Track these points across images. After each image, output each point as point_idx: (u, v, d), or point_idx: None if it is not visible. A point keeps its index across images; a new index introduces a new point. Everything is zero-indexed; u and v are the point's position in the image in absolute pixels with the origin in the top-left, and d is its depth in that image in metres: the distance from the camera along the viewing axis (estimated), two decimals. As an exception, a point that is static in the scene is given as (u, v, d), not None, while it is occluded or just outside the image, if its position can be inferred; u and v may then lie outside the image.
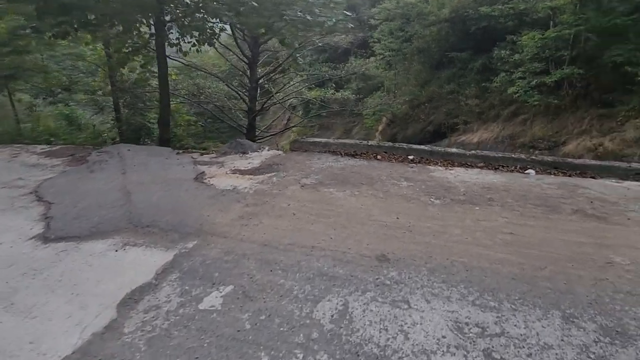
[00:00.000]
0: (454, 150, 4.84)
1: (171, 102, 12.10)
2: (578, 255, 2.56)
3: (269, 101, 12.53)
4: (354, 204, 3.49)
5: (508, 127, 13.60)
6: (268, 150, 5.44)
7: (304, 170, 4.53)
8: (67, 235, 2.82)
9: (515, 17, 13.49)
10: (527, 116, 12.98)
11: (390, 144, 5.14)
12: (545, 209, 3.34)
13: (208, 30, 5.95)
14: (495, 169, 4.55)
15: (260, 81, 11.78)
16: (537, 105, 11.95)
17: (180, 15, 5.56)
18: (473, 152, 4.73)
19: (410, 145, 5.02)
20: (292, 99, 17.56)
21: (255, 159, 5.07)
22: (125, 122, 11.64)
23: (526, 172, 4.42)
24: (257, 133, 12.43)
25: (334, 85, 22.20)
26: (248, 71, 11.44)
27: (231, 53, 11.68)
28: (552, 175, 4.32)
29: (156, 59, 6.00)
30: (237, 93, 11.56)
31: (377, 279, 2.30)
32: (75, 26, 5.36)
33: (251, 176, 4.30)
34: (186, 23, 5.59)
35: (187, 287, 2.19)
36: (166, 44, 6.25)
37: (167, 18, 5.71)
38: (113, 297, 2.08)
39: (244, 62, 11.31)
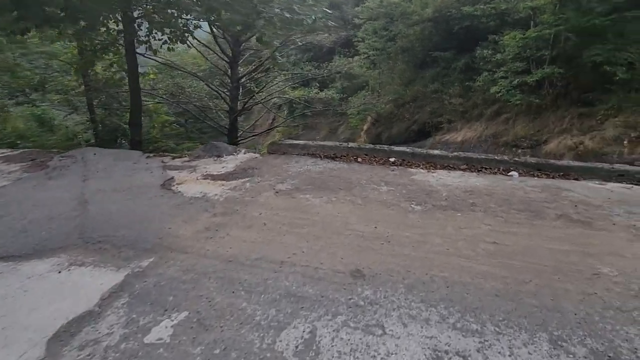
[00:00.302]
0: (436, 152, 4.67)
1: (149, 102, 11.70)
2: (564, 265, 2.40)
3: (251, 101, 12.20)
4: (331, 211, 3.27)
5: (491, 126, 13.63)
6: (244, 153, 5.17)
7: (280, 174, 4.28)
8: (6, 254, 2.51)
9: (497, 17, 13.52)
10: (510, 115, 13.03)
11: (371, 145, 4.94)
12: (529, 214, 3.19)
13: (182, 27, 5.63)
14: (478, 171, 4.40)
15: (242, 80, 11.45)
16: (519, 104, 11.99)
17: (150, 10, 5.23)
18: (455, 153, 4.58)
19: (392, 147, 4.83)
20: (275, 99, 17.31)
21: (230, 162, 4.79)
22: (100, 122, 11.15)
23: (509, 174, 4.28)
24: (239, 134, 12.09)
25: (317, 84, 22.01)
26: (229, 70, 11.10)
27: (212, 52, 11.31)
28: (536, 177, 4.20)
29: (125, 57, 5.64)
30: (218, 93, 11.19)
31: (350, 299, 2.08)
32: (36, 22, 4.99)
33: (223, 182, 4.03)
34: (156, 19, 5.26)
35: (134, 316, 1.92)
36: (135, 41, 5.91)
37: (136, 14, 5.38)
38: (45, 330, 1.80)
39: (225, 61, 10.96)
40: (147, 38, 5.53)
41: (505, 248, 2.61)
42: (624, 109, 10.20)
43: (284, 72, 15.06)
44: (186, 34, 5.56)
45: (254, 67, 11.58)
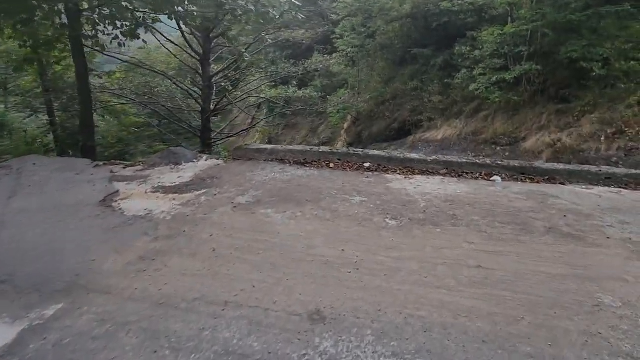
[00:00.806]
0: (414, 155, 4.28)
1: (115, 103, 10.94)
2: (560, 295, 2.03)
3: (225, 100, 11.58)
4: (293, 230, 2.82)
5: (471, 123, 13.47)
6: (206, 160, 4.65)
7: (243, 184, 3.80)
8: None
9: (474, 14, 13.35)
10: (489, 112, 12.89)
11: (345, 150, 4.51)
12: (515, 227, 2.83)
13: (135, 21, 5.04)
14: (459, 176, 4.04)
15: (215, 79, 10.83)
16: (498, 101, 11.85)
17: (95, 3, 4.63)
18: (434, 157, 4.21)
19: (367, 151, 4.42)
20: (251, 98, 16.69)
21: (188, 171, 4.28)
22: (61, 125, 10.34)
23: (492, 179, 3.94)
24: (213, 135, 11.48)
25: (295, 83, 21.49)
26: (200, 69, 10.47)
27: (182, 49, 10.64)
28: (520, 182, 3.87)
29: (72, 54, 5.02)
30: (188, 92, 10.55)
31: (304, 355, 1.64)
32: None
33: (175, 195, 3.52)
34: (104, 12, 4.67)
35: (11, 398, 1.43)
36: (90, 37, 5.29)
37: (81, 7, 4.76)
38: None
39: (195, 59, 10.33)
40: (93, 32, 4.92)
41: (492, 274, 2.23)
42: (600, 105, 10.16)
43: (260, 70, 14.51)
44: (139, 29, 4.97)
45: (226, 65, 10.96)
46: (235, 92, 12.04)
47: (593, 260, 2.38)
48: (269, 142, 23.30)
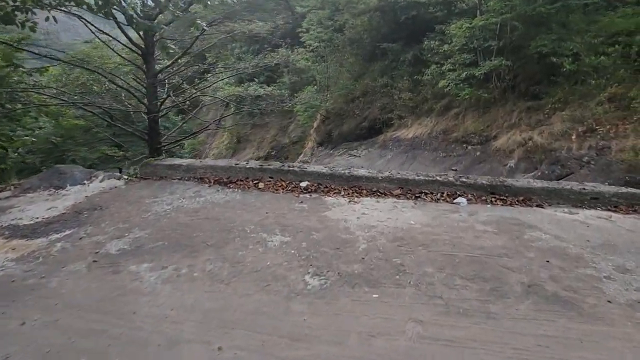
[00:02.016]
0: (362, 172, 3.39)
1: (50, 104, 9.53)
2: None
3: (175, 98, 10.37)
4: (162, 304, 1.86)
5: (441, 121, 12.85)
6: (102, 180, 3.59)
7: (130, 219, 2.80)
8: None
9: (443, 7, 12.66)
10: (459, 110, 12.29)
11: (279, 165, 3.57)
12: (482, 287, 1.99)
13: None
14: (416, 197, 3.19)
15: (161, 76, 9.62)
16: (468, 98, 11.23)
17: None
18: (388, 174, 3.34)
19: (305, 167, 3.49)
20: (218, 96, 15.43)
21: (69, 198, 3.22)
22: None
23: (456, 201, 3.11)
24: (164, 138, 10.27)
25: (255, 79, 20.33)
26: (144, 65, 9.23)
27: (120, 42, 9.34)
28: (489, 205, 3.06)
29: None
30: (128, 91, 9.29)
31: None
32: None
33: (21, 242, 2.48)
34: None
35: None
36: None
37: None
38: None
39: (137, 53, 9.07)
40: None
41: (443, 396, 1.36)
42: (571, 101, 9.68)
43: (225, 66, 13.24)
44: (17, 12, 3.83)
45: (174, 60, 9.75)
46: (178, 91, 10.78)
47: (598, 354, 1.56)
48: (238, 142, 22.05)
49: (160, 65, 9.79)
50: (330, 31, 15.27)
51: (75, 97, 8.83)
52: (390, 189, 3.27)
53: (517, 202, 3.07)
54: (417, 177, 3.26)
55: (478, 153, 10.95)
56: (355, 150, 14.91)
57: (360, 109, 15.48)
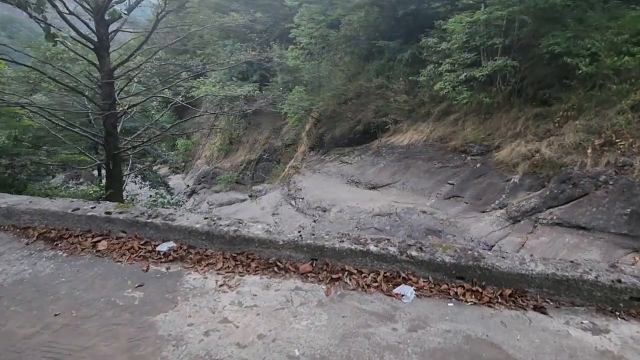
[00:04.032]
0: (256, 231, 2.09)
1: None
2: None
3: (136, 98, 9.20)
4: None
5: (439, 127, 11.43)
6: None
7: None
8: None
9: (446, 1, 11.18)
10: (459, 115, 10.86)
11: (133, 215, 2.30)
12: None
13: None
14: (333, 279, 1.90)
15: (117, 72, 8.46)
16: (467, 103, 9.80)
17: None
18: (294, 235, 2.04)
19: (172, 217, 2.22)
20: (209, 97, 14.27)
21: None
22: None
23: (397, 290, 1.81)
24: (124, 143, 9.13)
25: (255, 79, 19.05)
26: (98, 61, 8.08)
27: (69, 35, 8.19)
28: (452, 302, 1.75)
29: None
30: (75, 89, 8.15)
31: None
32: None
33: None
34: None
35: None
36: None
37: None
38: None
39: (88, 47, 7.93)
40: None
41: None
42: (586, 109, 8.18)
43: (201, 61, 12.01)
44: None
45: (131, 54, 8.55)
46: (134, 93, 9.59)
47: None
48: (231, 144, 20.88)
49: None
50: (322, 27, 13.91)
51: (18, 97, 7.72)
52: (296, 262, 1.98)
53: (499, 299, 1.75)
54: (338, 245, 1.96)
55: (478, 165, 9.53)
56: (347, 157, 13.58)
57: (354, 112, 14.12)
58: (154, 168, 16.36)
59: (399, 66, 12.94)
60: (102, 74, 8.02)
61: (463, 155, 10.10)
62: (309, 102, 13.14)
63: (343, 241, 1.96)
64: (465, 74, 8.83)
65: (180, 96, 10.40)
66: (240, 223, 2.09)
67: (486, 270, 1.80)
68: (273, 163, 18.46)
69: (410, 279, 1.83)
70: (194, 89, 10.57)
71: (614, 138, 7.39)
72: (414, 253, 1.87)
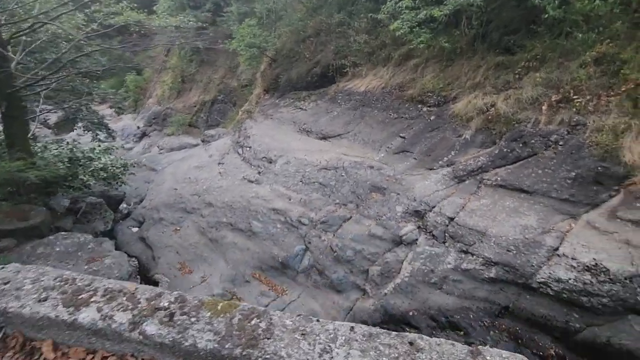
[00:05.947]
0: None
1: None
2: None
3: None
4: None
5: (398, 73, 10.33)
6: None
7: None
8: None
9: None
10: (420, 61, 9.76)
11: None
12: None
13: None
14: None
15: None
16: (430, 47, 8.68)
17: None
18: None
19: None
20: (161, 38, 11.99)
21: None
22: None
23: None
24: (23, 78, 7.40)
25: (208, 8, 16.50)
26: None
27: None
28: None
29: None
30: None
31: None
32: None
33: None
34: None
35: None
36: None
37: None
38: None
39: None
40: None
41: None
42: (549, 59, 7.36)
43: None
44: None
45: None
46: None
47: None
48: (183, 82, 18.65)
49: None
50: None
51: None
52: None
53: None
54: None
55: (432, 117, 8.76)
56: (302, 102, 12.33)
57: (312, 52, 12.53)
58: (96, 109, 14.26)
59: (361, 0, 11.26)
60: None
61: (419, 106, 9.26)
62: (262, 39, 11.38)
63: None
64: (425, 12, 7.58)
65: (96, 23, 8.47)
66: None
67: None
68: (229, 105, 16.82)
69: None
70: (113, 15, 8.59)
71: (571, 94, 6.73)
72: (151, 330, 1.08)
